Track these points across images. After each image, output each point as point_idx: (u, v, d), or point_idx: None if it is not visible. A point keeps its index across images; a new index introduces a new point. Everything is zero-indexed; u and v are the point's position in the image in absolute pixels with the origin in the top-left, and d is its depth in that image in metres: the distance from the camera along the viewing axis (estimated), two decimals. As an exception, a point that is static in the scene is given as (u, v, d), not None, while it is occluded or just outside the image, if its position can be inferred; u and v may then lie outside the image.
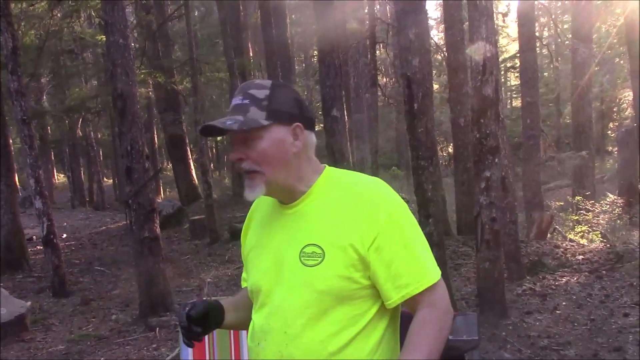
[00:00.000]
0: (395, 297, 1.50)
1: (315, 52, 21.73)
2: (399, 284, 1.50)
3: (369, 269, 1.50)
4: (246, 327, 1.72)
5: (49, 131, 22.18)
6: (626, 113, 21.17)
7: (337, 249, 1.48)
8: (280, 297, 1.54)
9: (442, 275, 1.57)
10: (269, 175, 1.53)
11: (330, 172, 1.63)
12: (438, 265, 1.57)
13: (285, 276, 1.53)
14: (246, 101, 1.53)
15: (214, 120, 1.53)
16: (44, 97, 19.97)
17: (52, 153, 27.44)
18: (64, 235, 13.94)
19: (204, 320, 1.65)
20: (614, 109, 24.27)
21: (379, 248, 1.49)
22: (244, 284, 1.82)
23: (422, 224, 5.57)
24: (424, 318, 1.51)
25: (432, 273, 1.53)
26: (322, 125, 9.67)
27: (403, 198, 1.62)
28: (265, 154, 1.52)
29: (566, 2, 19.80)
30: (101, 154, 26.65)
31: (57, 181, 31.24)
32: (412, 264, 1.51)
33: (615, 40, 17.25)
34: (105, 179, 28.34)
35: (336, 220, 1.51)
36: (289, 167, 1.55)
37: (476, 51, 5.76)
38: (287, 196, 1.60)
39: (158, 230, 6.94)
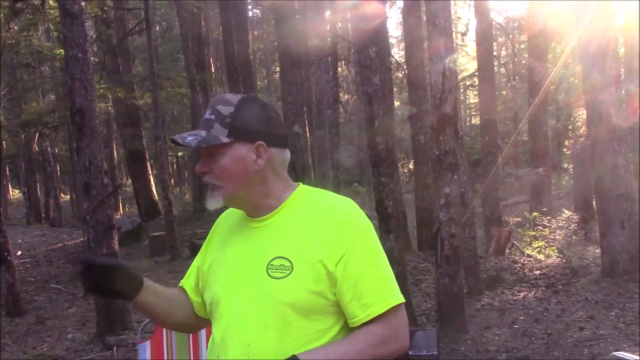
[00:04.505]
0: (360, 315, 1.49)
1: (277, 68, 21.79)
2: (365, 302, 1.48)
3: (336, 285, 1.49)
4: (162, 320, 1.70)
5: (4, 146, 21.66)
6: (581, 131, 21.67)
7: (306, 263, 1.48)
8: (242, 308, 1.51)
9: (403, 290, 1.57)
10: (228, 191, 1.55)
11: (303, 190, 1.64)
12: (399, 280, 1.57)
13: (249, 288, 1.52)
14: (212, 117, 1.55)
15: (178, 134, 1.57)
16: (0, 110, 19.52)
17: (7, 168, 26.79)
18: (19, 253, 13.55)
19: (101, 273, 1.53)
20: (569, 127, 24.86)
21: (347, 265, 1.49)
22: (181, 285, 1.77)
23: (383, 239, 5.60)
24: (374, 330, 1.49)
25: (397, 295, 1.52)
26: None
27: (365, 214, 1.63)
28: (225, 171, 1.54)
29: (522, 22, 20.31)
30: (58, 169, 26.10)
31: (12, 197, 30.47)
32: (378, 283, 1.51)
33: (570, 60, 17.70)
34: (62, 195, 27.75)
35: (306, 235, 1.52)
36: (250, 183, 1.56)
37: (435, 69, 5.86)
38: (254, 210, 1.60)
39: (117, 246, 6.83)
